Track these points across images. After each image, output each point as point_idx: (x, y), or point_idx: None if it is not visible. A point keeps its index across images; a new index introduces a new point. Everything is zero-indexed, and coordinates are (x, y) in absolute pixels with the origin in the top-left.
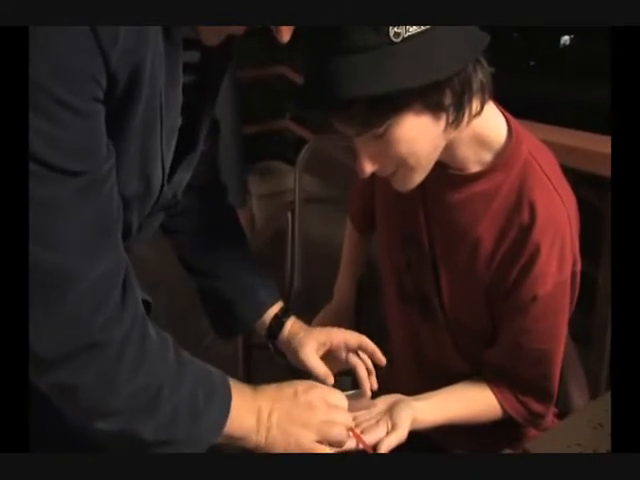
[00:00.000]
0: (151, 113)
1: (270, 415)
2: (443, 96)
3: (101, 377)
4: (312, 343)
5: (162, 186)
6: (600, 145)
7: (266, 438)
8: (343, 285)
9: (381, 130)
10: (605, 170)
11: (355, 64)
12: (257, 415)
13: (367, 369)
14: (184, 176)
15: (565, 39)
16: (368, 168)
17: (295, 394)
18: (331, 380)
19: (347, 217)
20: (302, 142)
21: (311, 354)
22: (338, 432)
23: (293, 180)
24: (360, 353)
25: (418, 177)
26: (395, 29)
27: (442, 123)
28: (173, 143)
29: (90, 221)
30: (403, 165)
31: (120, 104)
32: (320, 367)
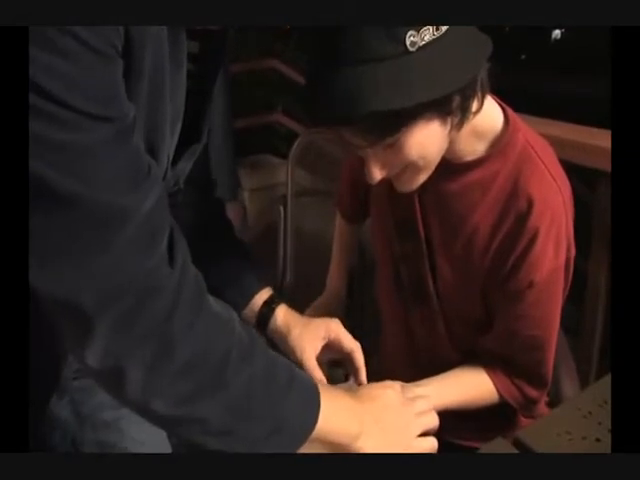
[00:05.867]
0: (156, 90)
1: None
2: (452, 102)
3: (154, 333)
4: (313, 343)
5: (166, 170)
6: (590, 137)
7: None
8: (335, 275)
9: (393, 140)
10: (596, 162)
11: (373, 76)
12: (359, 418)
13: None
14: (187, 165)
15: (556, 33)
16: (378, 175)
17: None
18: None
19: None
20: (293, 135)
21: (311, 359)
22: (429, 420)
23: (284, 173)
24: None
25: (422, 178)
26: (411, 38)
27: (448, 126)
28: (178, 127)
29: (128, 164)
30: (410, 168)
31: (129, 69)
32: (318, 375)
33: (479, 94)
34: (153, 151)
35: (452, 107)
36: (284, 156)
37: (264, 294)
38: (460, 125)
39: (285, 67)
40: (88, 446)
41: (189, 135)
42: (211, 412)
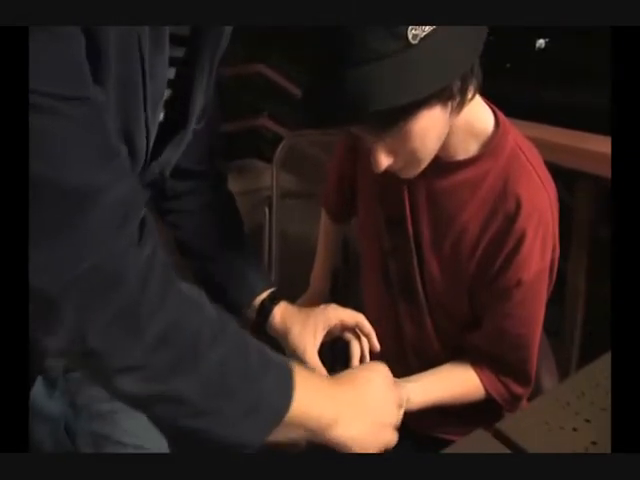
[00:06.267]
0: (127, 74)
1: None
2: (453, 86)
3: (122, 315)
4: (314, 338)
5: (147, 157)
6: (572, 140)
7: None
8: (318, 274)
9: (400, 129)
10: (577, 164)
11: (380, 74)
12: (336, 403)
13: (362, 350)
14: (173, 154)
15: (540, 42)
16: (384, 162)
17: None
18: None
19: (322, 209)
20: (279, 139)
21: (313, 357)
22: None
23: (269, 177)
24: (359, 332)
25: (424, 164)
26: (413, 31)
27: (449, 109)
28: (159, 113)
29: (96, 144)
30: (414, 154)
31: (89, 51)
32: (321, 372)
33: (474, 78)
34: (128, 136)
35: (453, 91)
36: (270, 160)
37: (265, 293)
38: (459, 109)
39: (271, 72)
40: (82, 437)
41: (175, 124)
42: (186, 390)
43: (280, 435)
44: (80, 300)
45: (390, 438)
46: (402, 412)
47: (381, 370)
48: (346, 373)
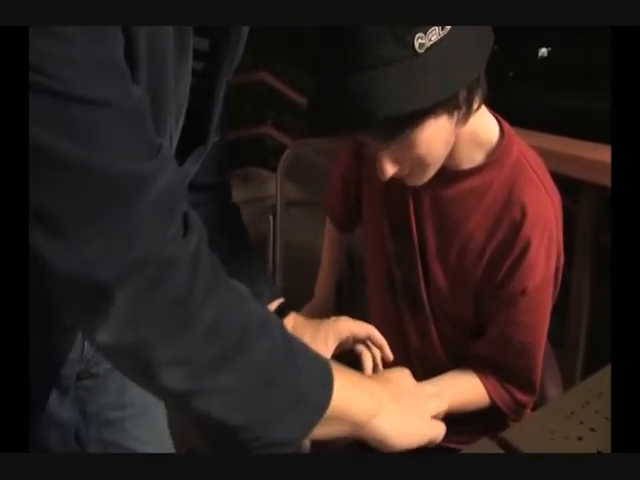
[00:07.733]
0: (156, 80)
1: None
2: (459, 96)
3: (175, 302)
4: (325, 349)
5: None
6: (575, 149)
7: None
8: (323, 284)
9: (406, 138)
10: (580, 173)
11: (386, 81)
12: (376, 395)
13: (374, 360)
14: (192, 167)
15: (543, 51)
16: (390, 171)
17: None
18: None
19: (327, 218)
20: (283, 148)
21: None
22: (439, 404)
23: (273, 186)
24: (370, 344)
25: (430, 172)
26: (419, 40)
27: (455, 119)
28: (180, 123)
29: (142, 136)
30: (420, 163)
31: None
32: None
33: (480, 88)
34: None
35: (459, 101)
36: (274, 169)
37: (274, 304)
38: (465, 119)
39: (275, 80)
40: (93, 444)
41: (195, 136)
42: (231, 383)
43: (322, 432)
44: (132, 290)
45: (436, 431)
46: (439, 404)
47: (406, 371)
48: (376, 374)
